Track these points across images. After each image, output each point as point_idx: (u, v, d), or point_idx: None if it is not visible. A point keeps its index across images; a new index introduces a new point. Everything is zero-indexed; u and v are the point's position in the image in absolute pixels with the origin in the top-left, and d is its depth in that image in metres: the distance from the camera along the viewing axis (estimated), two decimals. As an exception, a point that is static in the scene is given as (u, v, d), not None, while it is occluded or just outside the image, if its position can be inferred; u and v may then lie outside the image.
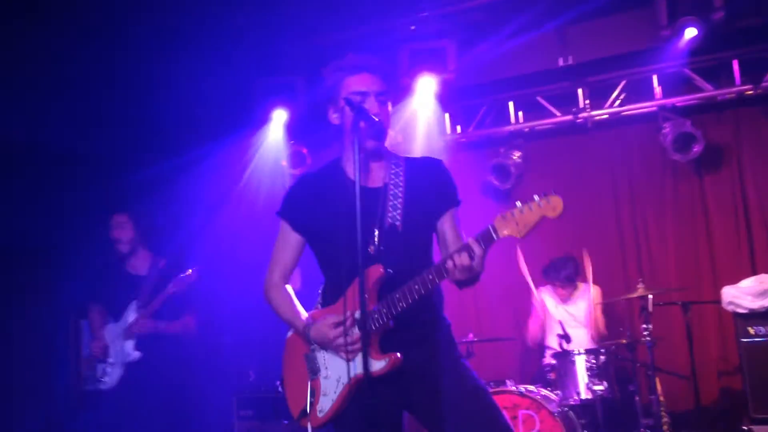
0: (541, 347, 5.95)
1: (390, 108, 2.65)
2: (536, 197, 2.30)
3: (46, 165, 6.09)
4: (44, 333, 6.33)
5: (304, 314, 2.66)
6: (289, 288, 2.76)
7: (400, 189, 2.58)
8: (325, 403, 2.52)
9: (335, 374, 2.51)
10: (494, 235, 2.32)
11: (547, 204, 2.29)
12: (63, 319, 6.58)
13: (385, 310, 2.42)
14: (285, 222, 2.72)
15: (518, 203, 2.32)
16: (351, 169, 2.56)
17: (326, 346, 2.53)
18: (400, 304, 2.41)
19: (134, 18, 5.26)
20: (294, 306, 2.69)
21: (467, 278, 2.39)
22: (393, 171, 2.62)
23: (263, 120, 6.62)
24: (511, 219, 2.31)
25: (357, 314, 2.44)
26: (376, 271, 2.45)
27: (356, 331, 2.44)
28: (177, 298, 4.60)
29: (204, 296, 5.14)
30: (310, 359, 2.59)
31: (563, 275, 5.75)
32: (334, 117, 2.63)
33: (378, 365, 2.41)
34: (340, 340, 2.45)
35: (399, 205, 2.55)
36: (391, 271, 2.45)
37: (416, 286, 2.39)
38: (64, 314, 6.55)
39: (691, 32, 5.45)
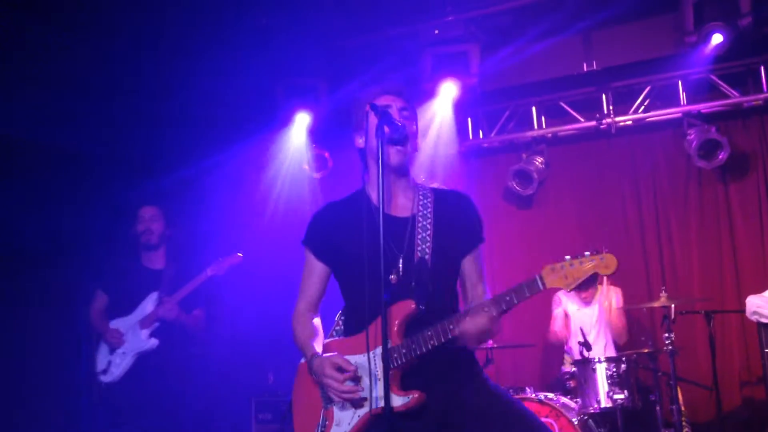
0: (561, 352, 5.92)
1: (415, 127, 2.62)
2: (587, 253, 2.29)
3: (64, 165, 6.14)
4: (64, 331, 6.36)
5: (318, 347, 2.60)
6: (317, 320, 2.71)
7: (429, 221, 2.54)
8: None
9: (351, 407, 2.46)
10: (540, 286, 2.31)
11: (600, 262, 2.28)
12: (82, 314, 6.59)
13: (414, 346, 2.37)
14: (308, 251, 2.69)
15: (567, 257, 2.30)
16: (375, 196, 2.49)
17: (320, 381, 2.48)
18: (431, 342, 2.36)
19: (158, 17, 5.29)
20: (309, 336, 2.63)
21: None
22: (421, 202, 2.58)
23: (285, 122, 6.64)
24: (560, 271, 2.29)
25: (377, 350, 2.38)
26: (408, 307, 2.41)
27: (359, 383, 2.42)
28: (194, 291, 4.63)
29: (222, 294, 5.17)
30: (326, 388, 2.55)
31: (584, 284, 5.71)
32: (359, 141, 2.61)
33: (399, 401, 2.35)
34: (334, 384, 2.41)
35: (428, 238, 2.51)
36: (423, 307, 2.40)
37: (451, 326, 2.34)
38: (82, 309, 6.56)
39: (717, 38, 5.40)
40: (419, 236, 2.51)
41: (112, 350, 4.54)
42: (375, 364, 2.40)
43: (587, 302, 5.80)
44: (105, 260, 4.98)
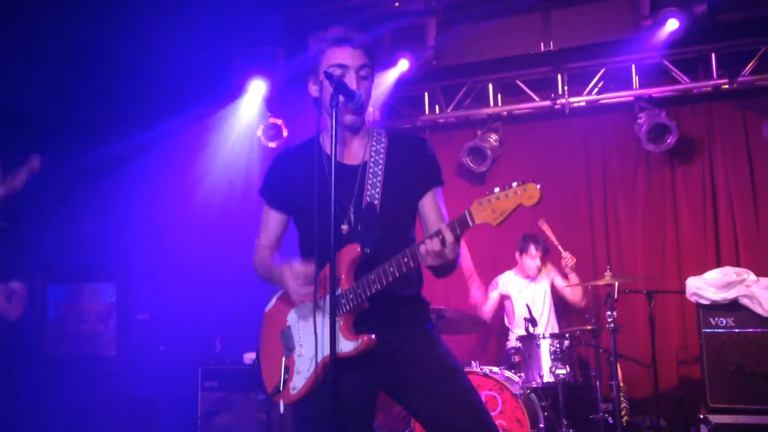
0: (505, 330, 6.04)
1: (371, 84, 2.60)
2: (514, 184, 2.24)
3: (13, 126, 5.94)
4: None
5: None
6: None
7: (380, 167, 2.55)
8: (299, 381, 2.51)
9: (309, 353, 2.49)
10: (470, 221, 2.28)
11: (524, 192, 2.22)
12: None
13: (359, 291, 2.40)
14: (264, 200, 2.72)
15: (496, 189, 2.26)
16: (329, 145, 2.51)
17: (288, 288, 2.50)
18: (375, 285, 2.38)
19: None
20: (274, 257, 2.67)
21: (440, 265, 2.34)
22: (374, 148, 2.59)
23: (240, 91, 6.54)
24: (487, 205, 2.25)
25: (328, 298, 2.41)
26: (353, 251, 2.43)
27: (320, 317, 2.43)
28: None
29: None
30: (286, 336, 2.58)
31: (541, 244, 5.86)
32: (313, 89, 2.58)
33: (350, 346, 2.39)
34: (293, 286, 2.44)
35: (378, 184, 2.52)
36: (368, 250, 2.42)
37: (391, 269, 2.36)
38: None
39: (672, 24, 5.49)
40: (369, 182, 2.53)
41: None
42: (326, 311, 2.42)
43: (533, 278, 5.90)
44: None
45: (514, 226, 6.66)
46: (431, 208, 2.62)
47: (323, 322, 2.41)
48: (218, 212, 6.51)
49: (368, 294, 2.39)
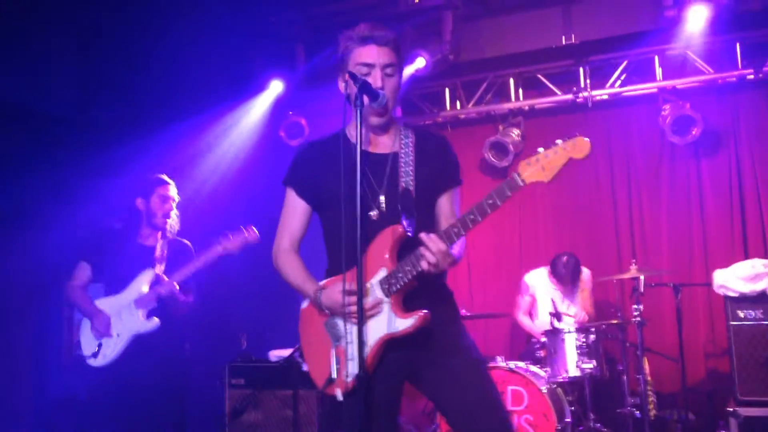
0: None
1: (399, 80, 2.62)
2: (559, 141, 2.23)
3: (35, 127, 6.02)
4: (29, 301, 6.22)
5: (313, 279, 2.64)
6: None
7: (411, 158, 2.59)
8: (353, 367, 2.47)
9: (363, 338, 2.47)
10: (520, 181, 2.27)
11: (573, 146, 2.22)
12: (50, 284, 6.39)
13: (409, 268, 2.40)
14: (290, 189, 2.71)
15: (540, 149, 2.25)
16: (355, 137, 2.52)
17: (337, 312, 2.51)
18: (422, 261, 2.36)
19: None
20: (305, 271, 2.67)
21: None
22: (403, 141, 2.63)
23: (260, 89, 6.58)
24: (536, 164, 2.25)
25: (373, 281, 2.45)
26: (396, 231, 2.45)
27: (371, 298, 2.45)
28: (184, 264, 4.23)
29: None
30: (332, 326, 2.57)
31: (569, 278, 5.70)
32: (342, 86, 2.62)
33: (406, 323, 2.40)
34: (352, 307, 2.43)
35: (411, 172, 2.56)
36: (410, 232, 2.44)
37: (443, 238, 2.35)
38: (51, 277, 6.41)
39: (694, 14, 5.43)
40: (402, 169, 2.56)
41: (101, 336, 4.15)
42: (374, 294, 2.45)
43: (567, 294, 5.80)
44: (90, 230, 4.69)
45: (534, 217, 6.65)
46: (447, 205, 2.67)
47: (361, 307, 2.38)
48: (242, 208, 6.54)
49: (418, 271, 2.38)
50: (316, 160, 2.66)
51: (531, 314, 5.94)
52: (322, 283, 2.62)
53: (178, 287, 4.17)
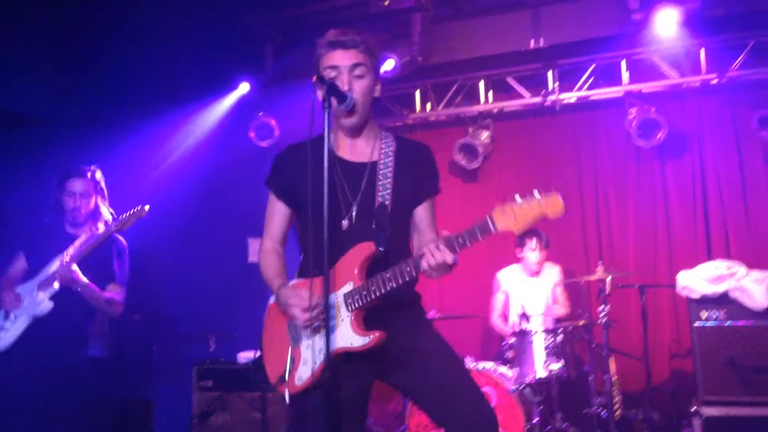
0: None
1: (371, 82, 2.61)
2: (536, 193, 2.23)
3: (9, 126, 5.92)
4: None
5: (285, 279, 2.68)
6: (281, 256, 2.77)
7: (390, 169, 2.60)
8: (304, 372, 2.53)
9: (318, 345, 2.51)
10: (492, 228, 2.28)
11: (547, 203, 2.22)
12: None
13: (373, 288, 2.43)
14: (271, 190, 2.75)
15: (517, 197, 2.25)
16: (335, 142, 2.62)
17: (287, 312, 2.54)
18: (390, 284, 2.41)
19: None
20: (277, 269, 2.71)
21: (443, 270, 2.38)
22: (383, 150, 2.64)
23: (231, 88, 6.54)
24: (510, 213, 2.25)
25: (339, 293, 2.47)
26: (368, 248, 2.47)
27: (333, 310, 2.46)
28: (103, 257, 4.06)
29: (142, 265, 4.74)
30: (293, 327, 2.60)
31: (543, 238, 5.78)
32: (319, 93, 2.60)
33: (362, 341, 2.43)
34: (298, 312, 2.47)
35: (389, 185, 2.57)
36: (382, 249, 2.46)
37: (408, 268, 2.38)
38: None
39: (660, 19, 5.52)
40: (380, 182, 2.57)
41: (6, 315, 4.07)
42: (337, 306, 2.48)
43: (535, 273, 5.88)
44: (31, 222, 4.44)
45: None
46: (426, 214, 2.69)
47: (333, 317, 2.45)
48: (210, 211, 6.50)
49: (382, 291, 2.42)
50: (294, 163, 2.67)
51: (506, 315, 5.98)
52: (292, 282, 2.64)
53: (75, 269, 3.99)
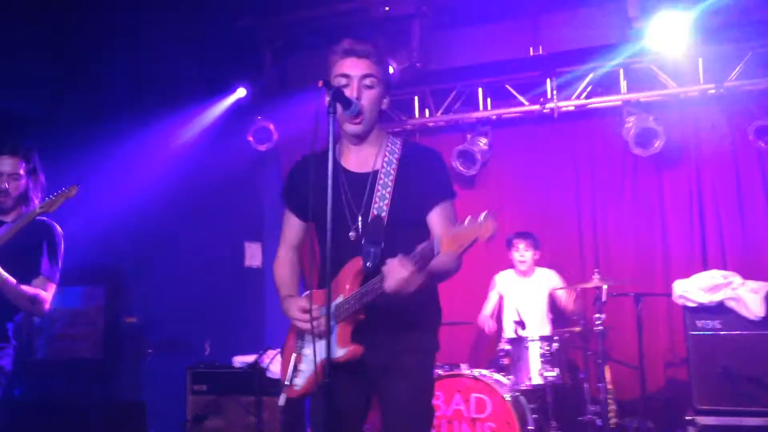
0: (498, 331, 6.05)
1: (380, 93, 2.60)
2: (482, 216, 2.20)
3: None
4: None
5: (293, 288, 2.74)
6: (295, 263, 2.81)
7: (391, 178, 2.57)
8: (301, 379, 2.59)
9: (312, 353, 2.52)
10: (436, 250, 2.27)
11: (480, 226, 2.19)
12: None
13: (354, 301, 2.44)
14: (284, 203, 2.80)
15: (467, 218, 2.22)
16: (342, 153, 2.64)
17: (290, 318, 2.62)
18: (365, 299, 2.42)
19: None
20: (288, 277, 2.76)
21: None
22: (387, 158, 2.61)
23: (229, 93, 6.55)
24: (454, 235, 2.23)
25: (333, 304, 2.47)
26: (357, 264, 2.49)
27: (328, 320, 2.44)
28: (27, 246, 3.42)
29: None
30: (300, 334, 2.65)
31: (530, 239, 5.84)
32: (327, 100, 2.63)
33: (340, 352, 2.45)
34: (296, 314, 2.55)
35: (387, 195, 2.54)
36: (369, 265, 2.46)
37: (376, 285, 2.37)
38: None
39: (659, 29, 5.53)
40: (378, 193, 2.55)
41: None
42: (331, 317, 2.47)
43: (525, 273, 5.89)
44: None
45: (500, 225, 6.69)
46: (438, 220, 2.59)
47: (328, 326, 2.44)
48: (206, 215, 6.49)
49: (359, 306, 2.44)
50: (304, 176, 2.62)
51: (500, 318, 5.98)
52: (306, 293, 2.64)
53: None
